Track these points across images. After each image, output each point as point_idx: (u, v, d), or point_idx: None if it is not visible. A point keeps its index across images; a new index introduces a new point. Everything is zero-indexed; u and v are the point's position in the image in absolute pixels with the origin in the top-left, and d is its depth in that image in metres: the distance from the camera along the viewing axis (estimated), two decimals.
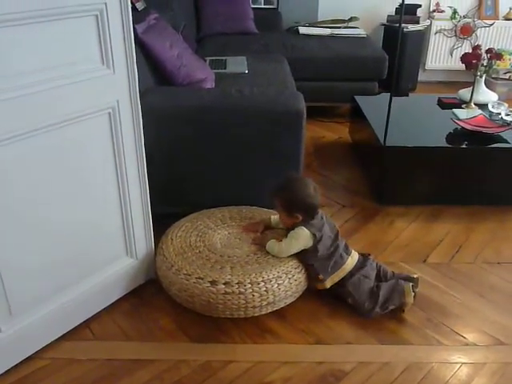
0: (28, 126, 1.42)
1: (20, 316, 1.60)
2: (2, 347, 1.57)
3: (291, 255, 1.86)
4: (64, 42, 1.44)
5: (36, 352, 1.68)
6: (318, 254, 1.83)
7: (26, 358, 1.66)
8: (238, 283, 1.74)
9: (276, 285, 1.77)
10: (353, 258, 1.90)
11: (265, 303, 1.77)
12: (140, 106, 1.72)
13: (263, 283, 1.75)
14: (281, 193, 1.87)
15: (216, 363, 1.67)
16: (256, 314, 1.79)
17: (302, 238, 1.83)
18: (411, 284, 1.84)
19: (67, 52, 1.46)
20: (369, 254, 1.98)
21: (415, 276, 1.91)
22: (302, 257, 1.87)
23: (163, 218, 2.05)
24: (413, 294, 1.84)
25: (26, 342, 1.65)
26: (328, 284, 1.87)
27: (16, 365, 1.64)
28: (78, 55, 1.50)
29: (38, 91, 1.41)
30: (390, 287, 1.85)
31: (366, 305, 1.84)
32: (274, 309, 1.82)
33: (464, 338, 1.79)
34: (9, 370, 1.62)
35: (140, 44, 2.30)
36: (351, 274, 1.86)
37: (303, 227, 1.84)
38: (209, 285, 1.74)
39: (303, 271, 1.86)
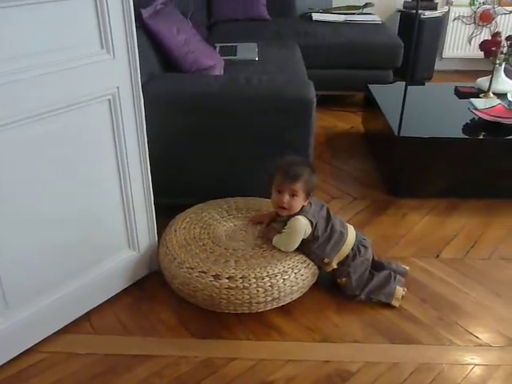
0: (22, 113, 1.36)
1: (18, 308, 1.57)
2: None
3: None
4: (60, 24, 1.38)
5: (34, 345, 1.65)
6: (319, 238, 1.78)
7: (24, 352, 1.62)
8: (242, 278, 1.68)
9: (281, 280, 1.71)
10: (351, 231, 1.86)
11: (270, 299, 1.71)
12: (142, 93, 1.65)
13: (268, 278, 1.69)
14: (302, 175, 1.74)
15: (218, 360, 1.61)
16: (260, 310, 1.74)
17: (298, 228, 1.75)
18: (402, 289, 1.85)
19: (63, 35, 1.40)
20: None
21: (407, 268, 1.98)
22: (305, 248, 1.80)
23: (168, 209, 2.00)
24: (402, 295, 1.84)
25: (24, 335, 1.62)
26: (334, 263, 1.82)
27: (13, 358, 1.60)
28: (75, 39, 1.43)
29: (32, 76, 1.34)
30: (381, 280, 1.85)
31: (355, 288, 1.83)
32: (280, 304, 1.76)
33: (477, 338, 1.71)
34: (5, 363, 1.58)
35: (146, 29, 2.22)
36: (354, 254, 1.82)
37: (297, 217, 1.76)
38: (212, 279, 1.69)
39: (310, 266, 1.80)
